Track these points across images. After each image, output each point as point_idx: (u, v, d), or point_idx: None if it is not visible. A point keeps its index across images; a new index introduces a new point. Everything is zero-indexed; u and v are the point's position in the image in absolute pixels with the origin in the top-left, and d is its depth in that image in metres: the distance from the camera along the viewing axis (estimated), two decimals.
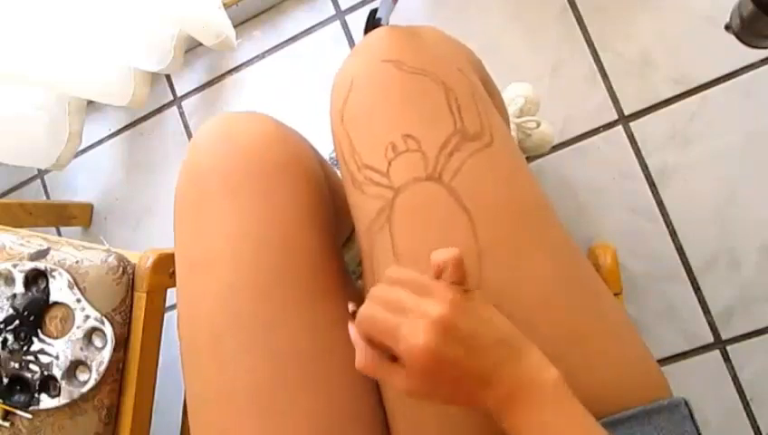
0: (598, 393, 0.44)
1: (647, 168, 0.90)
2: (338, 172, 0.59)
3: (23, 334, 0.65)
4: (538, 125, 0.82)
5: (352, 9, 1.03)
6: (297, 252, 0.50)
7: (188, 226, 0.52)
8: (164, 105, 1.13)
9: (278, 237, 0.50)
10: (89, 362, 0.65)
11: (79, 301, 0.65)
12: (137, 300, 0.68)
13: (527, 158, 0.89)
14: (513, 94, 0.85)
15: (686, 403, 0.45)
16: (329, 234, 0.53)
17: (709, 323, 0.87)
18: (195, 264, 0.51)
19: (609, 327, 0.47)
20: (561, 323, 0.44)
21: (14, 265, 0.66)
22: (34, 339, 0.65)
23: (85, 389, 0.64)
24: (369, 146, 0.47)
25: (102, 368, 0.64)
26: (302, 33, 1.06)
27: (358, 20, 1.03)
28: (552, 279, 0.45)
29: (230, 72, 1.10)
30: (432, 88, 0.48)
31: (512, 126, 0.77)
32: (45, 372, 0.65)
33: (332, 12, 1.04)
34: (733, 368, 0.87)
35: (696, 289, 0.88)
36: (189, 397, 0.51)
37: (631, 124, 0.91)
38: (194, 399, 0.50)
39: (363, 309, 0.41)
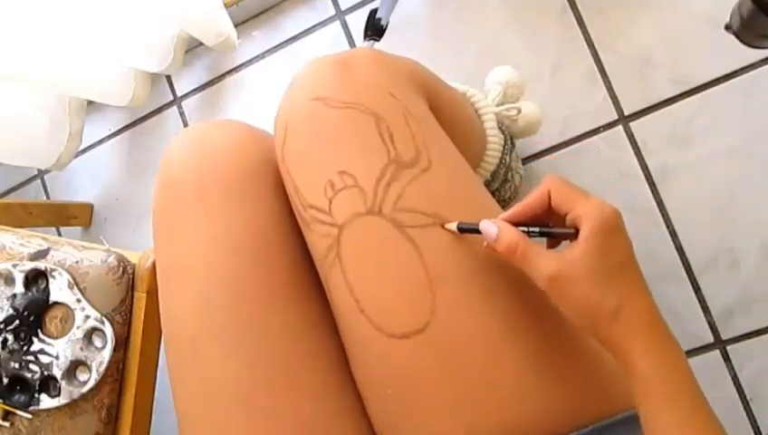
0: (560, 412, 0.44)
1: (647, 168, 0.90)
2: None
3: (23, 334, 0.65)
4: (519, 111, 0.81)
5: (352, 9, 1.03)
6: (270, 256, 0.50)
7: (162, 235, 0.53)
8: (164, 105, 1.13)
9: (250, 242, 0.50)
10: (89, 362, 0.65)
11: (79, 301, 0.65)
12: (137, 300, 0.68)
13: (519, 140, 0.88)
14: (493, 82, 0.84)
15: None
16: None
17: (709, 323, 0.87)
18: (169, 273, 0.52)
19: (575, 343, 0.47)
20: (522, 344, 0.45)
21: (14, 265, 0.66)
22: (34, 339, 0.65)
23: (85, 389, 0.64)
24: (309, 186, 0.48)
25: (102, 368, 0.65)
26: (302, 33, 1.06)
27: (358, 20, 1.03)
28: (507, 297, 0.45)
29: (230, 72, 1.10)
30: (362, 120, 0.47)
31: (490, 117, 0.76)
32: (45, 372, 0.65)
33: (332, 12, 1.04)
34: (733, 368, 0.86)
35: (696, 289, 0.88)
36: (176, 399, 0.51)
37: (631, 124, 0.91)
38: (180, 401, 0.51)
39: (552, 176, 0.43)
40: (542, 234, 0.43)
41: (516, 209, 0.43)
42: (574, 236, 0.40)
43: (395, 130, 0.47)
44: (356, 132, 0.47)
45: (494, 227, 0.42)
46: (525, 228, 0.42)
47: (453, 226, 0.45)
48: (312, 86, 0.50)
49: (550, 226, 0.43)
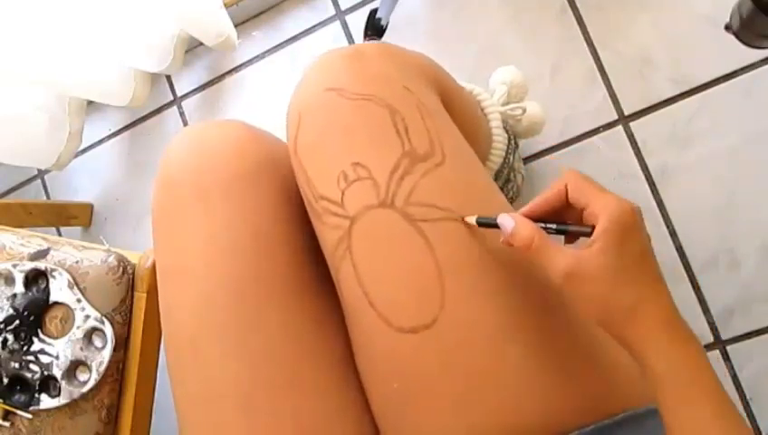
0: (569, 408, 0.44)
1: (647, 168, 0.90)
2: None
3: (23, 334, 0.65)
4: (524, 111, 0.80)
5: (352, 9, 1.03)
6: (270, 255, 0.50)
7: (162, 235, 0.53)
8: (164, 105, 1.13)
9: (250, 242, 0.50)
10: (89, 362, 0.65)
11: (79, 301, 0.65)
12: (137, 300, 0.68)
13: (522, 139, 0.89)
14: (498, 82, 0.84)
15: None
16: (306, 232, 0.52)
17: (709, 323, 0.87)
18: (169, 273, 0.52)
19: (579, 342, 0.47)
20: (528, 342, 0.45)
21: (14, 265, 0.66)
22: (34, 339, 0.65)
23: (85, 389, 0.64)
24: (322, 177, 0.48)
25: (102, 368, 0.65)
26: (302, 33, 1.06)
27: (358, 20, 1.03)
28: (515, 295, 0.45)
29: (230, 72, 1.10)
30: (377, 112, 0.47)
31: (495, 116, 0.76)
32: (45, 372, 0.65)
33: (332, 12, 1.04)
34: (733, 368, 0.87)
35: (696, 289, 0.88)
36: (176, 398, 0.51)
37: (631, 124, 0.91)
38: (180, 400, 0.51)
39: (570, 171, 0.42)
40: (558, 231, 0.42)
41: (534, 203, 0.43)
42: (591, 233, 0.40)
43: (410, 123, 0.47)
44: (370, 124, 0.47)
45: (512, 221, 0.42)
46: (543, 224, 0.42)
47: (472, 219, 0.45)
48: (326, 78, 0.49)
49: (567, 222, 0.43)
